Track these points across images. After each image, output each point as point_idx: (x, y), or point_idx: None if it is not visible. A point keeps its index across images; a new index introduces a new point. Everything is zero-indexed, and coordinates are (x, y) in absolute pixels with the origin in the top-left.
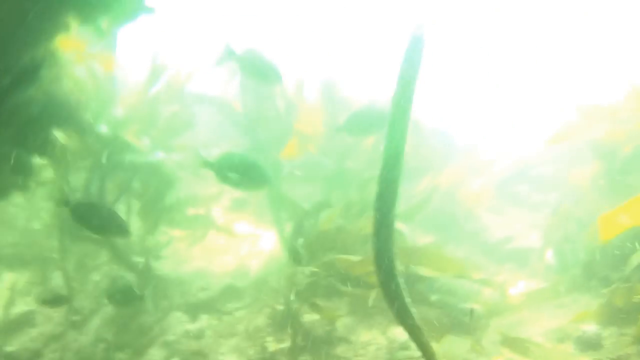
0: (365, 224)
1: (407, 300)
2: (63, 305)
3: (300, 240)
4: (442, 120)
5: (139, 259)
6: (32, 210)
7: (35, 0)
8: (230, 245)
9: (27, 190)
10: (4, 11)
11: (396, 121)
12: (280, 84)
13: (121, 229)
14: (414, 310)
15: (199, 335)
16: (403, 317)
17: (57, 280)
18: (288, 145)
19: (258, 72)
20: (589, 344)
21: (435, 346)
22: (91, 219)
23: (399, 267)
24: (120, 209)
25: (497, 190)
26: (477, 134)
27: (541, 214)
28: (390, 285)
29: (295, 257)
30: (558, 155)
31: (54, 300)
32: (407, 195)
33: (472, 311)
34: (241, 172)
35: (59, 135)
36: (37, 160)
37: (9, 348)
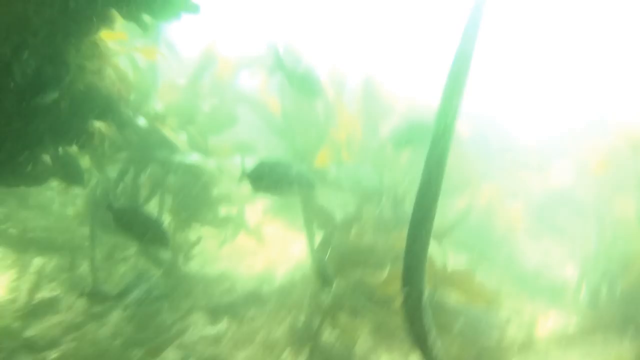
0: (398, 241)
1: (431, 329)
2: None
3: (328, 254)
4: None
5: (166, 255)
6: (68, 196)
7: None
8: (259, 248)
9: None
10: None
11: (438, 140)
12: (320, 97)
13: (162, 239)
14: (437, 341)
15: (216, 340)
16: (423, 347)
17: (84, 268)
18: (321, 153)
19: (301, 85)
20: None
21: None
22: (133, 226)
23: (427, 289)
24: (154, 204)
25: (536, 214)
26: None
27: (580, 243)
28: (415, 313)
29: (322, 278)
30: (602, 181)
31: (100, 297)
32: (442, 212)
33: None
34: (276, 180)
35: (98, 126)
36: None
37: (28, 333)
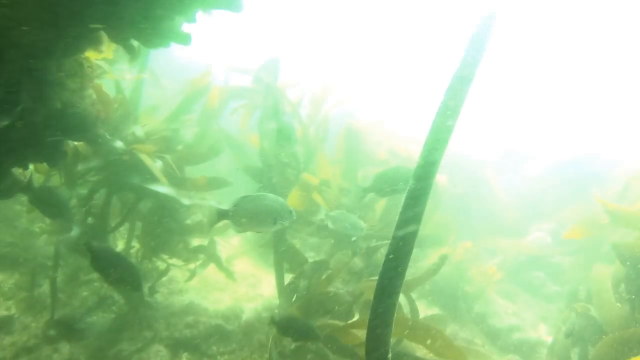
0: (367, 290)
1: None
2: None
3: (295, 297)
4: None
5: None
6: (36, 212)
7: (68, 10)
8: (228, 282)
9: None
10: (36, 17)
11: (417, 186)
12: (293, 147)
13: (135, 285)
14: None
15: None
16: None
17: (45, 288)
18: (292, 194)
19: (279, 133)
20: None
21: None
22: (109, 269)
23: (394, 340)
24: (122, 230)
25: (511, 274)
26: None
27: (554, 306)
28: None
29: (281, 328)
30: (579, 246)
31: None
32: (415, 262)
33: None
34: (254, 215)
35: (72, 145)
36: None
37: None
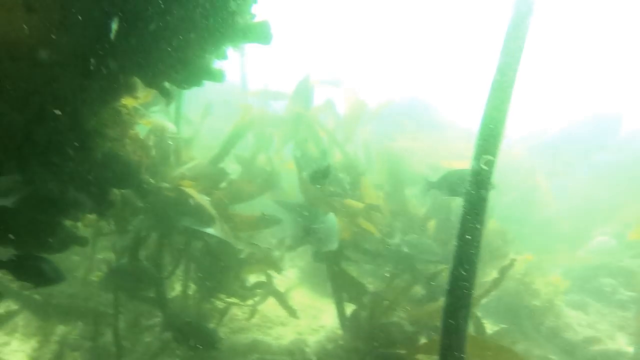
0: (428, 315)
1: None
2: None
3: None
4: None
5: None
6: (93, 262)
7: (102, 61)
8: (288, 316)
9: (86, 244)
10: (71, 70)
11: (473, 202)
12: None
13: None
14: None
15: None
16: None
17: (108, 337)
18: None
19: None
20: None
21: None
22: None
23: None
24: (178, 273)
25: (578, 283)
26: None
27: (630, 313)
28: None
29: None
30: None
31: None
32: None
33: None
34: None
35: (118, 194)
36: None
37: None
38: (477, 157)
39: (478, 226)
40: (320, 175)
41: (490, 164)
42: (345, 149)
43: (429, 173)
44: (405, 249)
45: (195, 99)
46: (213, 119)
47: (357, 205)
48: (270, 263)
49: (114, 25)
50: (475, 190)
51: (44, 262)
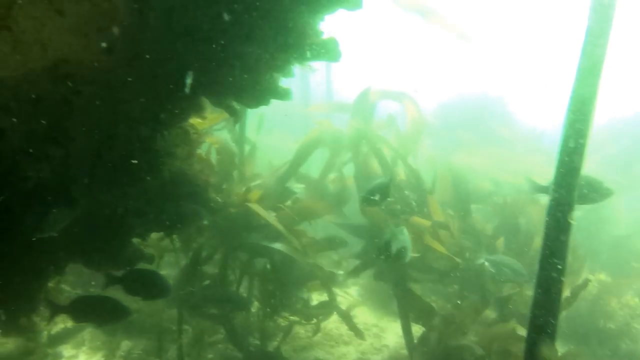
0: (499, 337)
1: None
2: None
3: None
4: None
5: (255, 342)
6: None
7: (172, 81)
8: (352, 334)
9: (152, 261)
10: (142, 92)
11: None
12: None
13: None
14: None
15: None
16: None
17: (172, 353)
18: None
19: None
20: None
21: None
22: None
23: None
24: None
25: None
26: None
27: None
28: None
29: None
30: None
31: None
32: None
33: None
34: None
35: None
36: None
37: None
38: (563, 177)
39: (564, 247)
40: (374, 195)
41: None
42: (410, 166)
43: (492, 188)
44: (492, 269)
45: (253, 113)
46: (274, 133)
47: (424, 223)
48: (334, 281)
49: (185, 47)
50: (558, 208)
51: (155, 275)
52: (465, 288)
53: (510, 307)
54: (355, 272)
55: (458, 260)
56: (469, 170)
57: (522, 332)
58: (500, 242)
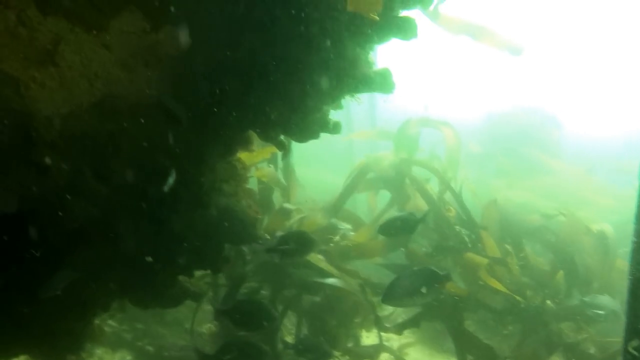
0: None
1: None
2: None
3: None
4: None
5: None
6: (202, 313)
7: (219, 115)
8: None
9: (199, 299)
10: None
11: None
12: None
13: None
14: None
15: None
16: None
17: None
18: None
19: None
20: None
21: None
22: None
23: None
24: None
25: None
26: None
27: None
28: None
29: None
30: None
31: None
32: None
33: None
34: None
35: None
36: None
37: None
38: None
39: None
40: (394, 226)
41: None
42: (462, 201)
43: (541, 221)
44: (591, 311)
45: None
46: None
47: (480, 259)
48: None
49: (233, 82)
50: None
51: (261, 306)
52: (527, 329)
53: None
54: (410, 324)
55: (518, 298)
56: (515, 203)
57: None
58: (560, 278)
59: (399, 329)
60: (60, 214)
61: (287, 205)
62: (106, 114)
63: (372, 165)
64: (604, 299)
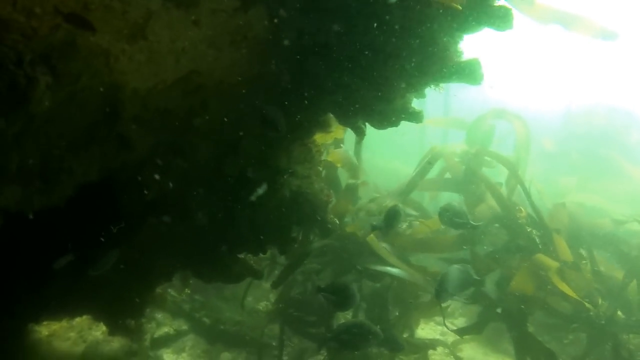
0: None
1: None
2: None
3: None
4: None
5: None
6: (261, 291)
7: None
8: None
9: (260, 277)
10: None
11: None
12: None
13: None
14: None
15: None
16: None
17: None
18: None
19: None
20: None
21: None
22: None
23: None
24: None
25: None
26: None
27: None
28: None
29: None
30: None
31: None
32: None
33: None
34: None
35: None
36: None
37: None
38: None
39: None
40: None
41: None
42: (532, 201)
43: (612, 226)
44: None
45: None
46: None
47: (550, 262)
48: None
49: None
50: None
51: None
52: (594, 338)
53: None
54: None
55: (588, 305)
56: (586, 206)
57: None
58: (633, 288)
59: (461, 333)
60: (137, 185)
61: (352, 181)
62: (190, 91)
63: (442, 154)
64: None
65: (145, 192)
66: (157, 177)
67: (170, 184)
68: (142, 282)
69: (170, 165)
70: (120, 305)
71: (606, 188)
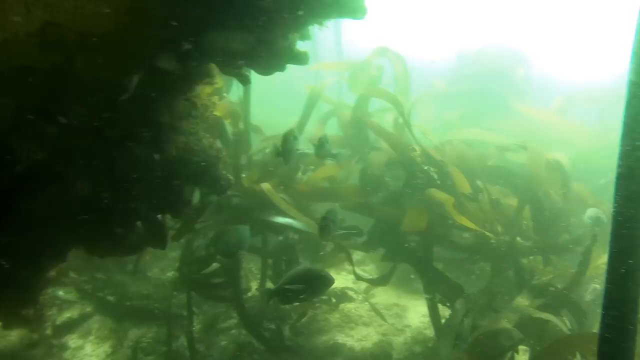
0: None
1: None
2: None
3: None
4: None
5: (270, 326)
6: (166, 261)
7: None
8: (371, 315)
9: (162, 245)
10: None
11: None
12: None
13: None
14: None
15: None
16: None
17: (183, 340)
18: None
19: None
20: None
21: None
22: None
23: None
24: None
25: None
26: None
27: None
28: None
29: None
30: None
31: None
32: None
33: None
34: None
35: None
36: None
37: None
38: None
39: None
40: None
41: None
42: (420, 140)
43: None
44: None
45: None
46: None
47: (443, 196)
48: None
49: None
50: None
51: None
52: (497, 267)
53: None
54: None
55: (489, 234)
56: (473, 140)
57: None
58: (527, 213)
59: (374, 283)
60: (3, 157)
61: (241, 128)
62: (49, 45)
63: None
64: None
65: (14, 163)
66: (24, 145)
67: (41, 153)
68: (32, 267)
69: (38, 131)
70: (12, 295)
71: (494, 123)
